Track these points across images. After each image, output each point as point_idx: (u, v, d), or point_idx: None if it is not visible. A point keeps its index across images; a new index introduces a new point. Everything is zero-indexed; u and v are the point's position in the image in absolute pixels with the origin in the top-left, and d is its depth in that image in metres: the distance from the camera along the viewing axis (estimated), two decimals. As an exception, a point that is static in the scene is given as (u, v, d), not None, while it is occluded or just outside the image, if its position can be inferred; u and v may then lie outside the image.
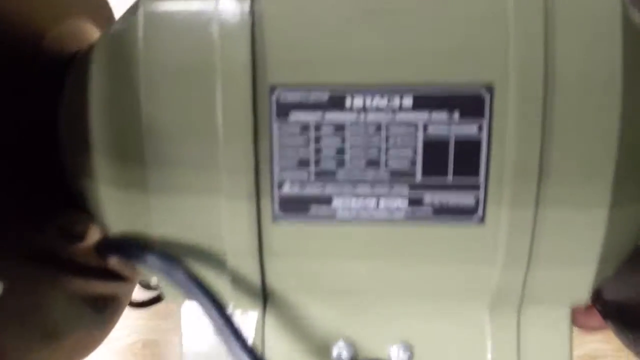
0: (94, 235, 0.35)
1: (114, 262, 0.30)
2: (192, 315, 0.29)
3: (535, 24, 0.24)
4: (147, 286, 0.43)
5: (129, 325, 0.59)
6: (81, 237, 0.34)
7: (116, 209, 0.28)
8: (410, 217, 0.26)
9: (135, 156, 0.26)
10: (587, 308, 0.41)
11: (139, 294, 0.44)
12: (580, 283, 0.27)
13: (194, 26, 0.25)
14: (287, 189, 0.26)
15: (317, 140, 0.25)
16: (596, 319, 0.41)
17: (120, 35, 0.26)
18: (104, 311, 0.37)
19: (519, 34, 0.24)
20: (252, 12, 0.24)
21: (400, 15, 0.24)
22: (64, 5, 0.33)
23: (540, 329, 0.28)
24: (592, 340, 0.57)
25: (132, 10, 0.26)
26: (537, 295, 0.27)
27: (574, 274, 0.27)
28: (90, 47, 0.29)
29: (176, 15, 0.25)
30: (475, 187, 0.25)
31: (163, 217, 0.27)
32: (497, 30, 0.24)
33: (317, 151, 0.25)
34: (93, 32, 0.36)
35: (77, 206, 0.31)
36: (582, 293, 0.27)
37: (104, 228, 0.29)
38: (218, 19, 0.24)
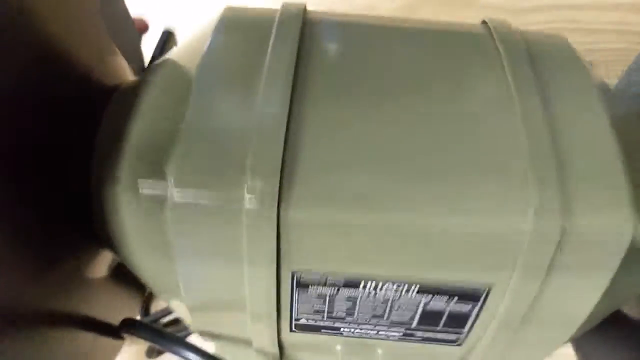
0: (104, 270, 0.35)
1: (133, 341, 0.32)
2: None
3: (544, 254, 0.25)
4: (151, 354, 0.47)
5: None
6: (98, 273, 0.34)
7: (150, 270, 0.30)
8: (403, 341, 0.32)
9: None
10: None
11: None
12: None
13: (221, 216, 0.26)
14: (303, 322, 0.30)
15: (331, 303, 0.29)
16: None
17: (149, 202, 0.27)
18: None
19: (529, 263, 0.25)
20: (278, 218, 0.25)
21: (413, 227, 0.25)
22: (107, 43, 0.34)
23: None
24: None
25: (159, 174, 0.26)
26: None
27: None
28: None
29: (205, 205, 0.25)
30: (460, 333, 0.30)
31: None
32: (507, 250, 0.25)
33: (330, 310, 0.29)
34: (127, 69, 0.37)
35: (97, 243, 0.32)
36: None
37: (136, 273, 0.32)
38: (244, 214, 0.25)
